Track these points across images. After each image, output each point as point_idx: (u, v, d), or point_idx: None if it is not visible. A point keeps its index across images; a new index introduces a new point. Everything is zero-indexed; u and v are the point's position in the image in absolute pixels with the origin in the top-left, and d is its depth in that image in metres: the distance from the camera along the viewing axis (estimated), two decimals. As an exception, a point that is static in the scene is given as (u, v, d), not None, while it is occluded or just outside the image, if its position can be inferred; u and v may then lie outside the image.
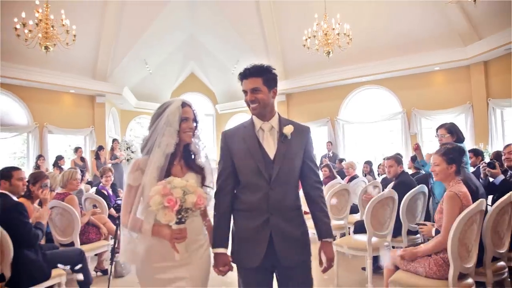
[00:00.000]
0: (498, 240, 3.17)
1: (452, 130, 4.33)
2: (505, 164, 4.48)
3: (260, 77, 2.13)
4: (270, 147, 2.17)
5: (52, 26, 6.84)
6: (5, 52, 8.43)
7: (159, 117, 2.09)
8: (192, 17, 11.04)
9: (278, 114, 2.28)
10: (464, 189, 2.90)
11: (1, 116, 9.29)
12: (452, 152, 2.98)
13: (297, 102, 11.90)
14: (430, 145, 9.54)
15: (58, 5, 7.43)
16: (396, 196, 4.24)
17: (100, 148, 10.24)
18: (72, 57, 9.16)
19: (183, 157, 2.18)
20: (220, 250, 2.14)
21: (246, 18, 10.28)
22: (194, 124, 2.16)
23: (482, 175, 4.72)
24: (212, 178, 2.24)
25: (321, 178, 4.36)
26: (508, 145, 4.45)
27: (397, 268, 3.11)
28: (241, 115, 14.21)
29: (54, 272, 3.47)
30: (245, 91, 2.18)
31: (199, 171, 2.18)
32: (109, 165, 9.23)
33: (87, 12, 9.13)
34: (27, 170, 9.10)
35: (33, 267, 3.27)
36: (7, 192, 3.31)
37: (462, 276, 2.81)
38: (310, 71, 10.78)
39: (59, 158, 9.38)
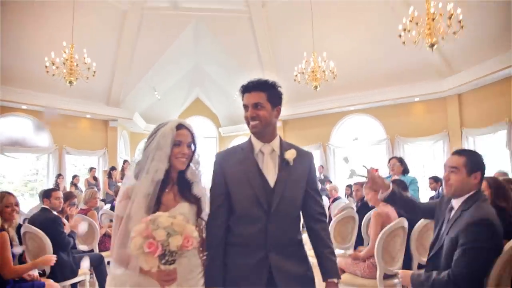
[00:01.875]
0: (423, 250, 4.08)
1: (401, 161, 5.34)
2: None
3: (265, 92, 1.95)
4: (270, 173, 1.96)
5: (76, 64, 7.97)
6: (32, 82, 9.60)
7: (151, 139, 1.93)
8: (197, 49, 12.16)
9: (280, 136, 2.07)
10: (387, 209, 3.84)
11: (26, 139, 10.43)
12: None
13: (292, 128, 12.87)
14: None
15: (80, 43, 8.55)
16: (356, 215, 5.18)
17: (113, 168, 11.27)
18: (89, 86, 10.21)
19: (178, 184, 2.00)
20: None
21: (245, 52, 11.37)
22: (192, 148, 1.99)
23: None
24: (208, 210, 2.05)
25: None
26: None
27: (343, 271, 4.04)
28: (243, 138, 15.13)
29: (80, 271, 4.44)
30: (245, 106, 1.99)
31: (194, 201, 1.99)
32: (120, 184, 10.24)
33: (104, 46, 10.26)
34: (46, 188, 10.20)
35: (65, 266, 4.23)
36: (48, 207, 4.33)
37: (389, 277, 3.73)
38: (305, 99, 11.78)
39: (74, 177, 10.46)
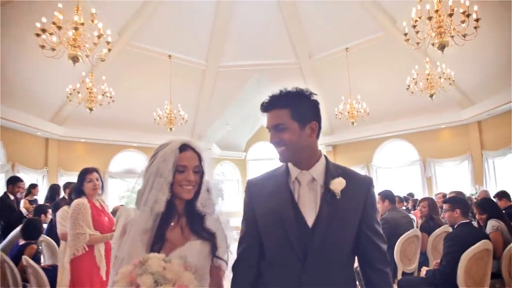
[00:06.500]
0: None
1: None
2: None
3: (287, 107, 1.53)
4: (309, 208, 1.52)
5: (175, 117, 11.26)
6: (140, 126, 13.14)
7: (150, 162, 1.63)
8: (259, 92, 15.00)
9: (326, 158, 1.62)
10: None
11: (133, 168, 14.11)
12: None
13: (340, 151, 15.21)
14: (441, 185, 12.35)
15: (175, 96, 11.85)
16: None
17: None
18: (178, 125, 13.60)
19: (186, 216, 1.65)
20: None
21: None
22: (199, 175, 1.63)
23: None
24: (226, 247, 1.67)
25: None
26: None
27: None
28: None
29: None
30: (268, 129, 1.58)
31: (208, 237, 1.61)
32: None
33: (190, 94, 13.53)
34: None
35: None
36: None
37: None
38: (350, 128, 14.12)
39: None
